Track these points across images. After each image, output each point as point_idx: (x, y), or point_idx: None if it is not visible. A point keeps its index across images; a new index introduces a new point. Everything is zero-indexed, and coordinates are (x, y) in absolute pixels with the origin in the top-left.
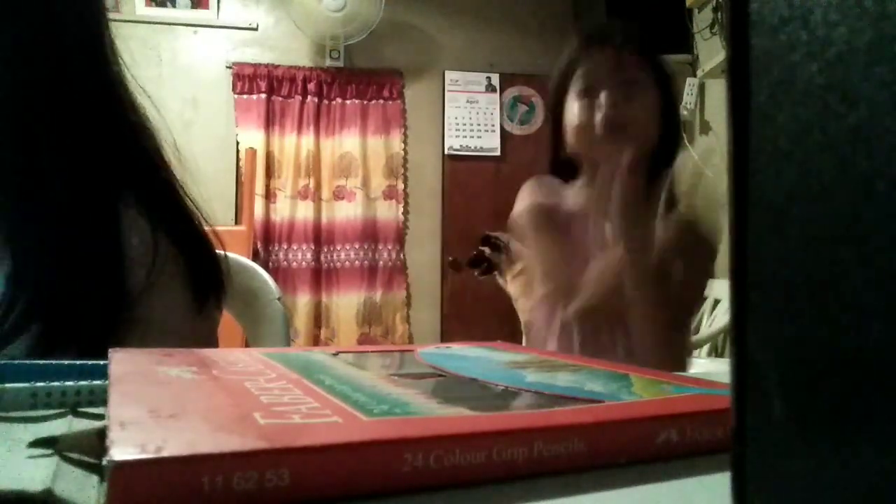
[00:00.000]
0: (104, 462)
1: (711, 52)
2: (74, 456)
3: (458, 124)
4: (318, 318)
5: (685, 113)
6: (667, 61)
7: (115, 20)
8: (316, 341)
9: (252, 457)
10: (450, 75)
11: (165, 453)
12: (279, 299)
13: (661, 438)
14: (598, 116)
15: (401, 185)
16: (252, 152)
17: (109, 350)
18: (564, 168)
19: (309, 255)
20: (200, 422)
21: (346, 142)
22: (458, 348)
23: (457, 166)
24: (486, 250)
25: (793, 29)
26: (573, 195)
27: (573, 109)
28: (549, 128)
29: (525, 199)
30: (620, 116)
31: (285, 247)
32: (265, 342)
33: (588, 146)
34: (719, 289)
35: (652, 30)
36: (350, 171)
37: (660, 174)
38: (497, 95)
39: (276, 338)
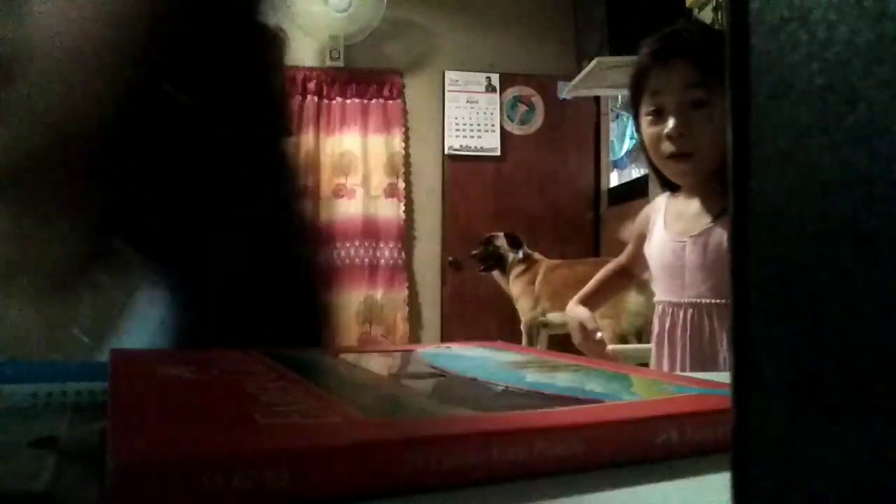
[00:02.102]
0: (104, 462)
1: None
2: (74, 456)
3: (458, 124)
4: None
5: None
6: None
7: None
8: None
9: (252, 457)
10: (450, 75)
11: (165, 453)
12: None
13: (661, 438)
14: (666, 145)
15: (401, 184)
16: None
17: (111, 350)
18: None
19: None
20: (200, 422)
21: (347, 140)
22: (458, 348)
23: (457, 166)
24: (500, 242)
25: (793, 29)
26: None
27: (648, 131)
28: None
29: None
30: (685, 145)
31: None
32: None
33: (661, 166)
34: None
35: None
36: (350, 170)
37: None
38: (497, 95)
39: None
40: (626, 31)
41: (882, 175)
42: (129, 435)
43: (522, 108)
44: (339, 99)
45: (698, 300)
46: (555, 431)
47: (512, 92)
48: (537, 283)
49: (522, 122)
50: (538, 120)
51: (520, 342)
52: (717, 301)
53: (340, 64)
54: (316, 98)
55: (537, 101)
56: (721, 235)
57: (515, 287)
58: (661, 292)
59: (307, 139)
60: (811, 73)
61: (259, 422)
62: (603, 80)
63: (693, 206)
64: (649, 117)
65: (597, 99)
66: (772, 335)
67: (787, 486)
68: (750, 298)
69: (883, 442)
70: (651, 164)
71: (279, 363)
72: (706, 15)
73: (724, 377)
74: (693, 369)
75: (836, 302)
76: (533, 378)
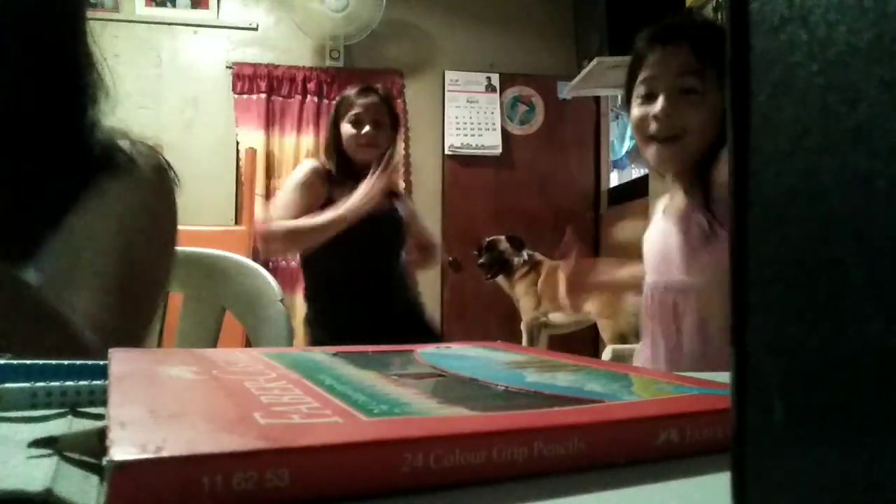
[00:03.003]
0: (104, 462)
1: None
2: (74, 456)
3: (458, 124)
4: None
5: None
6: None
7: (114, 20)
8: None
9: (252, 457)
10: (450, 75)
11: (165, 453)
12: (282, 301)
13: (661, 438)
14: (653, 126)
15: (401, 184)
16: (252, 152)
17: (110, 350)
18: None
19: None
20: (200, 422)
21: None
22: (458, 348)
23: (457, 166)
24: (504, 246)
25: (793, 29)
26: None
27: (635, 113)
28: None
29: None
30: (672, 127)
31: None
32: (267, 344)
33: (646, 151)
34: None
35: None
36: None
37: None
38: (497, 95)
39: (278, 340)
40: (626, 31)
41: (882, 175)
42: (128, 435)
43: (522, 108)
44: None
45: (674, 282)
46: (555, 431)
47: (512, 92)
48: (539, 283)
49: (522, 122)
50: (538, 120)
51: (520, 342)
52: (688, 281)
53: (340, 64)
54: (316, 99)
55: (537, 101)
56: (697, 222)
57: (518, 288)
58: (649, 274)
59: (307, 140)
60: (811, 73)
61: (259, 422)
62: (603, 80)
63: (679, 193)
64: (639, 100)
65: (597, 99)
66: (772, 335)
67: (786, 486)
68: (750, 298)
69: (883, 442)
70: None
71: (279, 363)
72: (706, 15)
73: (724, 377)
74: (669, 350)
75: (836, 302)
76: (533, 378)
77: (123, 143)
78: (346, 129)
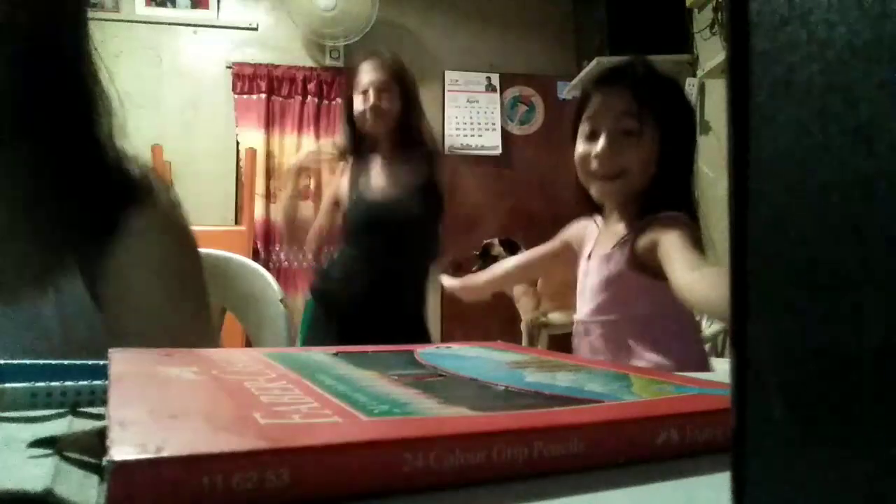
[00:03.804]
0: (104, 462)
1: (711, 52)
2: (74, 456)
3: (458, 124)
4: None
5: None
6: (679, 104)
7: (114, 20)
8: None
9: (252, 457)
10: (450, 75)
11: (165, 453)
12: (282, 301)
13: (661, 438)
14: (594, 165)
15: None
16: (252, 152)
17: (109, 350)
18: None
19: (309, 255)
20: (200, 422)
21: None
22: (458, 348)
23: (457, 167)
24: (497, 251)
25: (793, 29)
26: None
27: (579, 150)
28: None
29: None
30: (612, 166)
31: (285, 246)
32: (267, 344)
33: (588, 184)
34: None
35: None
36: None
37: (649, 213)
38: (497, 95)
39: (278, 339)
40: (626, 31)
41: (882, 175)
42: (128, 435)
43: (522, 108)
44: (338, 100)
45: (587, 319)
46: (555, 431)
47: (512, 92)
48: (539, 283)
49: (522, 122)
50: (538, 120)
51: (520, 342)
52: (602, 319)
53: (340, 64)
54: (316, 99)
55: (537, 101)
56: (619, 259)
57: (518, 288)
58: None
59: (308, 141)
60: (811, 73)
61: (259, 422)
62: None
63: (611, 228)
64: (583, 137)
65: None
66: (772, 335)
67: (786, 486)
68: (750, 298)
69: (883, 442)
70: (578, 185)
71: (279, 363)
72: (706, 15)
73: (724, 377)
74: None
75: (837, 302)
76: (533, 378)
77: (137, 171)
78: (357, 100)
